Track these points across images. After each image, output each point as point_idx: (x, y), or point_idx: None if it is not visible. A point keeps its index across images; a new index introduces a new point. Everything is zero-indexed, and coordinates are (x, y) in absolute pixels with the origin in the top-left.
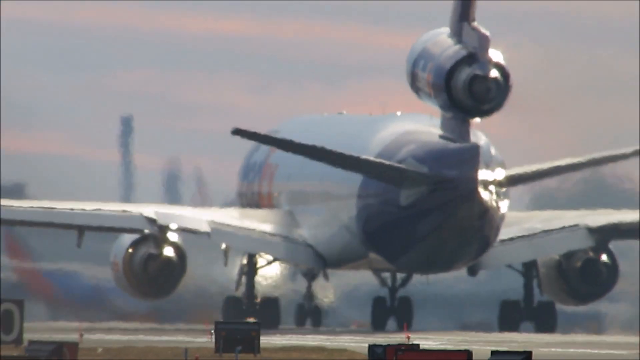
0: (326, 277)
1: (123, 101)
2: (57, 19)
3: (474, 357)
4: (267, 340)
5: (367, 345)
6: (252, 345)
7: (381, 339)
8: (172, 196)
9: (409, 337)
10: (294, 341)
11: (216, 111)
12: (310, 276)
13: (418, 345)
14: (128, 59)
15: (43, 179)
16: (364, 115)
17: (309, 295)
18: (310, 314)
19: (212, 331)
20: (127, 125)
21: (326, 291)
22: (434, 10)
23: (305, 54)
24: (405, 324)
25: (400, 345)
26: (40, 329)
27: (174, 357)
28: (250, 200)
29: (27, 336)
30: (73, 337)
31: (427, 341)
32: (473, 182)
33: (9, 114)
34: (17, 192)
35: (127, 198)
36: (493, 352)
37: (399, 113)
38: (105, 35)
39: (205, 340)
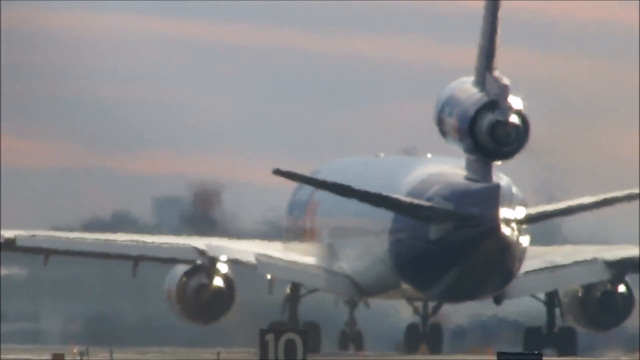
0: (367, 305)
1: (403, 133)
2: (327, 50)
3: None
4: None
5: None
6: None
7: None
8: None
9: None
10: None
11: None
12: (352, 304)
13: None
14: (402, 91)
15: None
16: (397, 157)
17: (351, 321)
18: (352, 339)
19: None
20: None
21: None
22: None
23: None
24: None
25: None
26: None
27: None
28: (295, 234)
29: None
30: None
31: None
32: (494, 219)
33: (297, 147)
34: None
35: None
36: None
37: (429, 155)
38: (378, 66)
39: None
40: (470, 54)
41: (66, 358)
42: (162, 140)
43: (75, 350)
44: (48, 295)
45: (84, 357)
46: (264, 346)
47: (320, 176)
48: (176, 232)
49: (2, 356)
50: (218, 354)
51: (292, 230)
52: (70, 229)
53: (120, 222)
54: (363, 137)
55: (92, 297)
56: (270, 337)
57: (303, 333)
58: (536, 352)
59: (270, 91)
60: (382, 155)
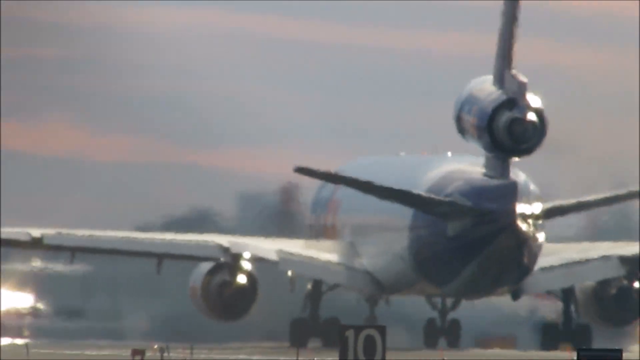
0: (387, 302)
1: None
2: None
3: None
4: None
5: None
6: None
7: None
8: None
9: None
10: None
11: None
12: (372, 301)
13: None
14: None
15: None
16: (418, 155)
17: (372, 318)
18: None
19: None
20: None
21: None
22: None
23: None
24: None
25: None
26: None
27: None
28: (317, 231)
29: None
30: None
31: None
32: (511, 215)
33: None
34: None
35: None
36: None
37: (449, 153)
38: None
39: None
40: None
41: (147, 354)
42: (244, 137)
43: (155, 347)
44: (128, 293)
45: (165, 354)
46: (343, 342)
47: (343, 174)
48: (259, 228)
49: (85, 352)
50: (297, 353)
51: (315, 228)
52: (153, 224)
53: (204, 219)
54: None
55: (173, 294)
56: (350, 333)
57: (382, 329)
58: (617, 348)
59: (346, 87)
60: (402, 154)
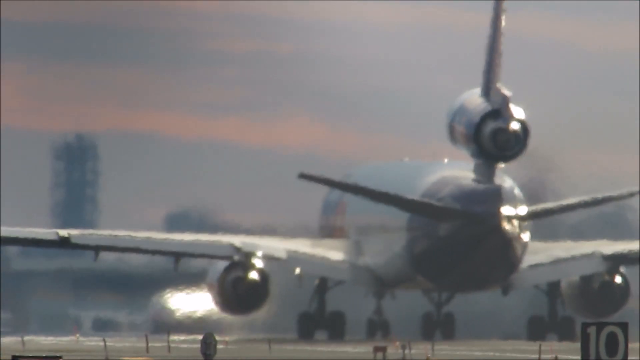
0: (393, 296)
1: None
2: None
3: None
4: None
5: None
6: None
7: None
8: None
9: None
10: None
11: None
12: (379, 295)
13: None
14: None
15: None
16: (419, 161)
17: (379, 311)
18: (379, 327)
19: None
20: None
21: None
22: None
23: None
24: None
25: None
26: None
27: None
28: (327, 231)
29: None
30: None
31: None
32: (496, 217)
33: None
34: None
35: None
36: None
37: (445, 160)
38: None
39: None
40: None
41: (388, 351)
42: None
43: (397, 343)
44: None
45: (406, 351)
46: (585, 340)
47: (351, 180)
48: None
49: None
50: (539, 352)
51: (325, 228)
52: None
53: None
54: None
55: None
56: (592, 330)
57: (624, 326)
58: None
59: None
60: (406, 159)
